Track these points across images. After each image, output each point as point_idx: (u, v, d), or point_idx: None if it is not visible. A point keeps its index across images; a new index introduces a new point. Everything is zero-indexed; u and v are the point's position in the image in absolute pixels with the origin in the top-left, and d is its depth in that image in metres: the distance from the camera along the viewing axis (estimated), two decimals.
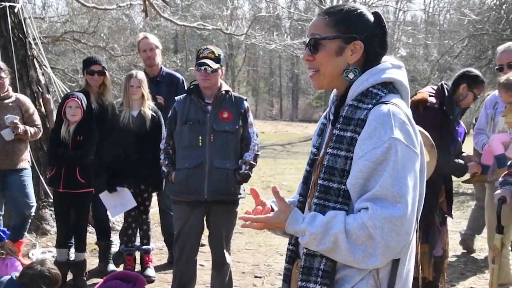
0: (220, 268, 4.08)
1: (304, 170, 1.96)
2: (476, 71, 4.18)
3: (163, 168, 4.02)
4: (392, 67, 1.81)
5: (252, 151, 3.98)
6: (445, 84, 4.11)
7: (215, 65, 3.83)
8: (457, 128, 4.10)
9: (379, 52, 1.82)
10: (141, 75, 4.86)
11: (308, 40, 1.81)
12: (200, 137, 3.84)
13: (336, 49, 1.77)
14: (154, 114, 4.84)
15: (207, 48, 3.95)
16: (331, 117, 1.87)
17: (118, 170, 4.82)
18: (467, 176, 4.41)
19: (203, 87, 3.91)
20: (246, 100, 4.07)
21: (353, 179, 1.67)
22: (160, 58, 5.54)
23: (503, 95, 4.16)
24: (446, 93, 4.03)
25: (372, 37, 1.79)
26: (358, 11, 1.81)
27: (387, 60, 1.85)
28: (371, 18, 1.81)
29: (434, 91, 4.10)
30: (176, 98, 4.08)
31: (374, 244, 1.61)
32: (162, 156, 4.04)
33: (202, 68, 3.81)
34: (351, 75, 1.78)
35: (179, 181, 3.88)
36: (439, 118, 3.92)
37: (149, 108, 4.82)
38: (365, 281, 1.70)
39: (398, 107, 1.71)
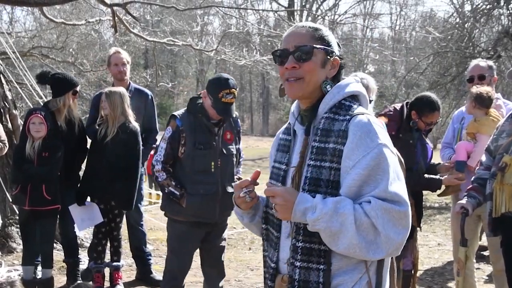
0: (219, 280, 4.06)
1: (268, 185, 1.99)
2: (430, 99, 4.03)
3: (172, 189, 3.73)
4: (354, 81, 1.95)
5: (240, 164, 4.10)
6: (406, 106, 4.07)
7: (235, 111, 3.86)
8: (426, 145, 4.10)
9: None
10: (124, 91, 4.82)
11: (294, 49, 1.86)
12: (212, 163, 3.75)
13: (322, 60, 1.88)
14: (132, 132, 4.72)
15: (229, 91, 3.64)
16: (299, 131, 1.94)
17: (89, 184, 4.78)
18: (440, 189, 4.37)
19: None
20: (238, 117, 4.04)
21: (347, 188, 1.75)
22: (129, 74, 5.57)
23: (468, 105, 4.27)
24: (405, 117, 4.02)
25: (341, 56, 1.94)
26: (330, 31, 1.95)
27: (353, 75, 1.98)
28: None
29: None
30: (176, 114, 3.83)
31: (376, 233, 1.70)
32: (162, 175, 3.77)
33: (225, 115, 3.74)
34: (328, 87, 1.88)
35: (193, 207, 3.73)
36: (397, 144, 3.90)
37: (128, 125, 4.72)
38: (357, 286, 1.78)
39: (373, 116, 1.83)
